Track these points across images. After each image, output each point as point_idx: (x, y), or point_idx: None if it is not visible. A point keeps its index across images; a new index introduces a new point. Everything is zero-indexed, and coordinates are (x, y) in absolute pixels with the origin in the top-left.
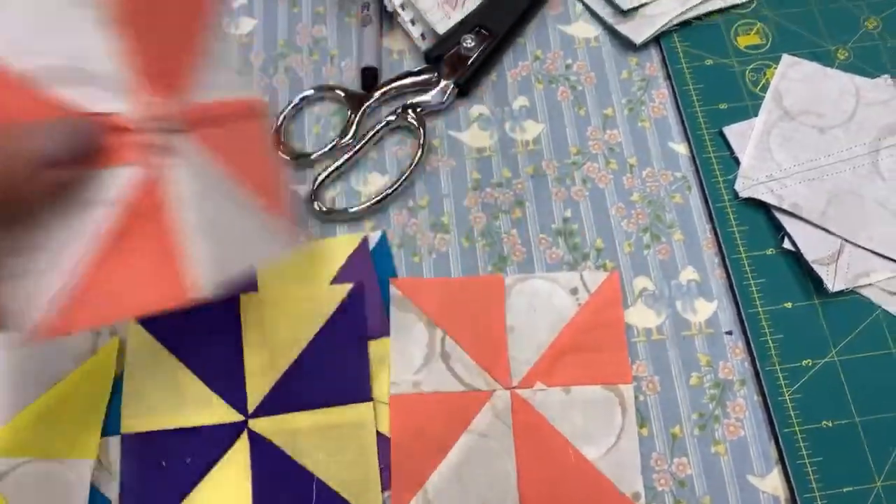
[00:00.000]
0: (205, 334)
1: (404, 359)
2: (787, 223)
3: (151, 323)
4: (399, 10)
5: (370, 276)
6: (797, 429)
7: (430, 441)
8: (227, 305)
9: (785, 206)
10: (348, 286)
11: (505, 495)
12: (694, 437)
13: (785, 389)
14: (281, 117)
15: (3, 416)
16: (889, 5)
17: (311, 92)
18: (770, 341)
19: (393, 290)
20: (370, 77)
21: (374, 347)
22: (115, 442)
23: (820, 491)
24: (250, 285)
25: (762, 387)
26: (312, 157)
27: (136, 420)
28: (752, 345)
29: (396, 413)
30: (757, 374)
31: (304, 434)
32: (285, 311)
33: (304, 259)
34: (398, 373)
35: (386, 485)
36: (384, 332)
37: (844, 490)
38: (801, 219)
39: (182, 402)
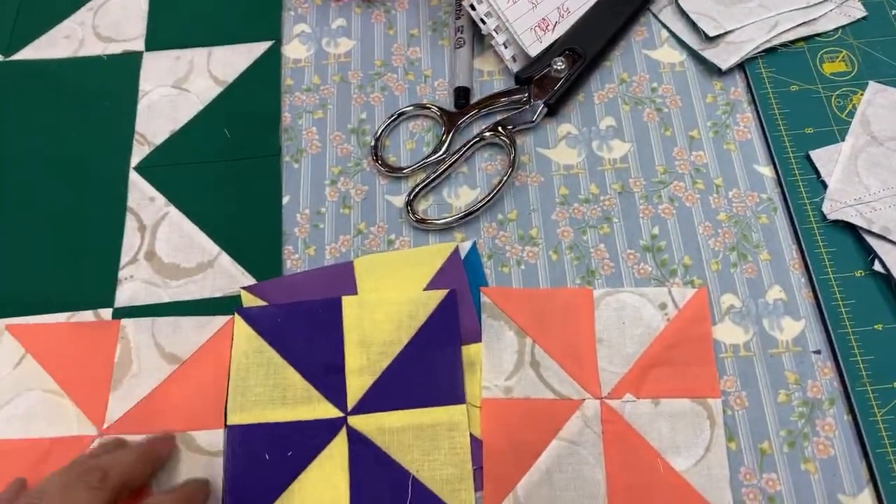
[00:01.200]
0: (307, 333)
1: (495, 364)
2: (877, 246)
3: (256, 320)
4: (493, 34)
5: (462, 283)
6: (889, 450)
7: (521, 445)
8: (330, 305)
9: (875, 230)
10: (443, 292)
11: (593, 501)
12: (783, 454)
13: (876, 410)
14: (378, 133)
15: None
16: None
17: (409, 108)
18: (860, 362)
19: (484, 298)
20: (463, 96)
21: (467, 352)
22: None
23: None
24: (350, 288)
25: (852, 407)
26: (406, 170)
27: (240, 413)
28: (842, 364)
29: (488, 416)
30: (847, 394)
31: (401, 432)
32: (384, 314)
33: (401, 264)
34: (490, 378)
35: (479, 485)
36: (476, 338)
37: None
38: (891, 242)
39: (284, 397)
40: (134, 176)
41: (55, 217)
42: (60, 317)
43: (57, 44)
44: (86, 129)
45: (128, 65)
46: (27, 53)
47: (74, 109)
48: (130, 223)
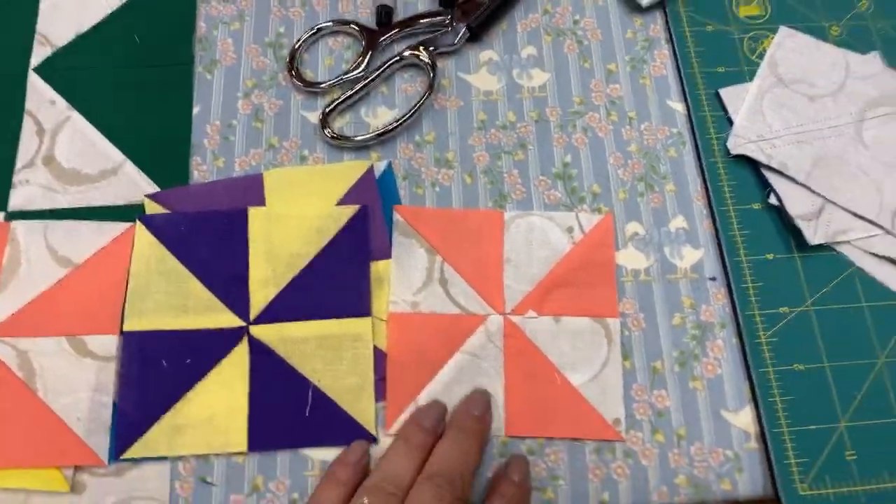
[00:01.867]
0: (211, 243)
1: (404, 280)
2: (774, 180)
3: (159, 228)
4: None
5: (375, 200)
6: (770, 370)
7: (425, 358)
8: (236, 216)
9: (773, 165)
10: (354, 207)
11: (492, 413)
12: (674, 373)
13: (762, 333)
14: (296, 46)
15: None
16: None
17: (328, 24)
18: (751, 288)
19: (396, 216)
20: (385, 14)
21: (376, 268)
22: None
23: (788, 427)
24: (258, 200)
25: (740, 330)
26: (323, 85)
27: (137, 319)
28: (734, 291)
29: (394, 330)
30: (736, 318)
31: (303, 342)
32: (292, 227)
33: (312, 179)
34: (398, 293)
35: (380, 396)
36: (386, 255)
37: (811, 428)
38: (787, 177)
39: (185, 305)
40: (33, 77)
41: None
42: None
43: None
44: None
45: None
46: None
47: None
48: (28, 126)
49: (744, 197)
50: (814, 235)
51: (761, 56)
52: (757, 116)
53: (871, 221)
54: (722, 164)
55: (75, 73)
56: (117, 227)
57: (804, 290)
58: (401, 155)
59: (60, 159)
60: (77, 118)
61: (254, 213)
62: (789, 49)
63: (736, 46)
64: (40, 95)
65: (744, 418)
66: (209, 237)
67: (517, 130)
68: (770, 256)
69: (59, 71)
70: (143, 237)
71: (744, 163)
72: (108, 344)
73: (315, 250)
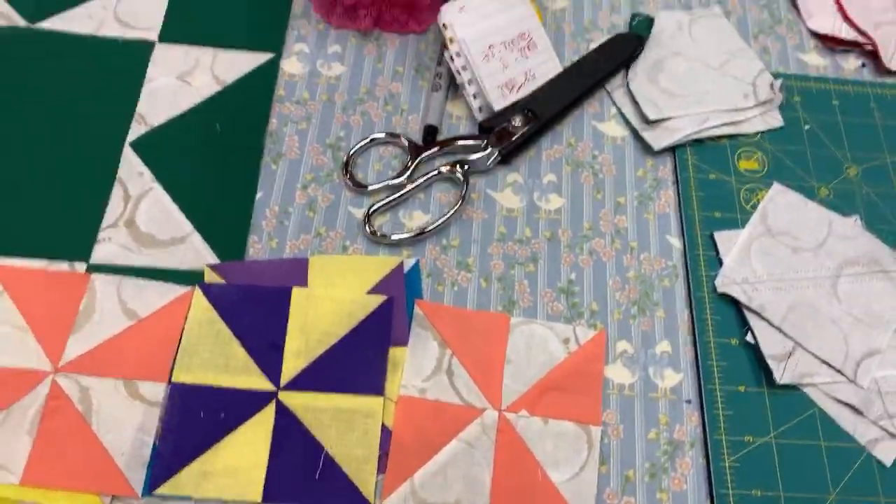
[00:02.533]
0: (256, 314)
1: (416, 368)
2: (753, 321)
3: (214, 295)
4: (466, 85)
5: (401, 293)
6: (731, 492)
7: (425, 440)
8: (281, 293)
9: (753, 306)
10: (382, 297)
11: (478, 498)
12: (644, 483)
13: (726, 457)
14: (352, 150)
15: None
16: (869, 160)
17: (382, 135)
18: (721, 415)
19: (417, 309)
20: (431, 133)
21: (393, 353)
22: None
23: None
24: (302, 281)
25: (708, 452)
26: (371, 188)
27: (185, 373)
28: (706, 415)
29: (401, 411)
30: (705, 440)
31: (322, 412)
32: (328, 308)
33: (350, 268)
34: (409, 378)
35: (381, 469)
36: (403, 342)
37: None
38: (764, 319)
39: (227, 365)
40: (128, 150)
41: (50, 174)
42: (40, 262)
43: (79, 20)
44: (93, 101)
45: (140, 51)
46: (50, 24)
47: (85, 83)
48: (117, 191)
49: (724, 331)
50: (782, 376)
51: (754, 207)
52: (744, 261)
53: (836, 369)
54: (708, 299)
55: (163, 150)
56: (178, 290)
57: (769, 423)
58: (428, 255)
59: (140, 223)
60: (158, 189)
61: (297, 292)
62: (780, 204)
63: (733, 195)
64: (131, 166)
65: None
66: (255, 308)
67: (531, 245)
68: (742, 388)
69: (149, 147)
70: (199, 302)
71: (728, 301)
72: (156, 391)
73: (344, 331)
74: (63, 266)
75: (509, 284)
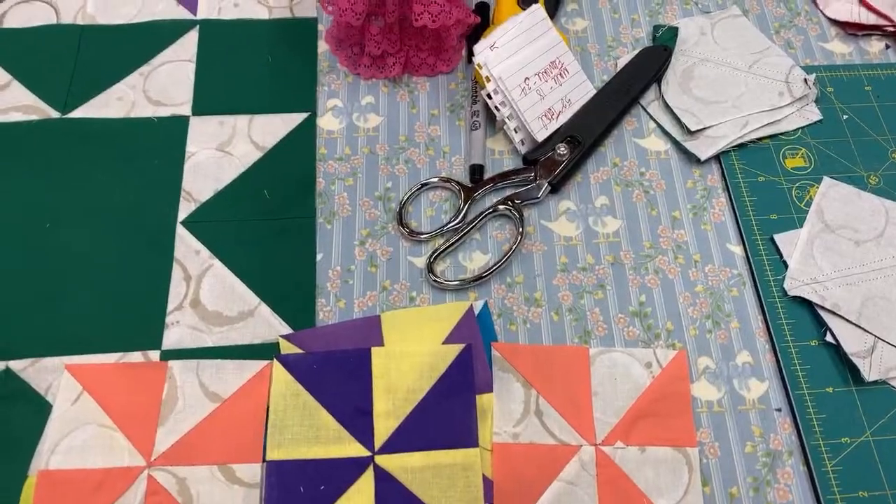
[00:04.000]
0: (339, 379)
1: (505, 413)
2: (829, 320)
3: (293, 366)
4: (506, 120)
5: (476, 337)
6: (838, 496)
7: (527, 485)
8: (360, 355)
9: (827, 306)
10: (460, 346)
11: None
12: (749, 498)
13: (827, 462)
14: (403, 200)
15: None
16: None
17: (434, 180)
18: (814, 419)
19: (494, 352)
20: (477, 172)
21: (480, 401)
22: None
23: None
24: (377, 339)
25: (807, 458)
26: (427, 235)
27: (278, 450)
28: (799, 421)
29: (498, 459)
30: (803, 447)
31: (422, 471)
32: (408, 364)
33: (422, 319)
34: (500, 424)
35: None
36: (488, 388)
37: None
38: (840, 317)
39: (318, 436)
40: (181, 230)
41: (109, 265)
42: (112, 357)
43: (110, 104)
44: (138, 185)
45: (176, 127)
46: (83, 112)
47: (127, 166)
48: (177, 273)
49: (802, 334)
50: (869, 373)
51: (808, 204)
52: (809, 260)
53: None
54: (780, 303)
55: (216, 225)
56: (257, 365)
57: (863, 421)
58: (495, 295)
59: (205, 302)
60: (218, 265)
61: (376, 352)
62: (833, 198)
63: (785, 195)
64: (187, 246)
65: None
66: (338, 374)
67: (596, 272)
68: (830, 390)
69: (202, 223)
70: (280, 374)
71: (800, 303)
72: (253, 471)
73: (428, 385)
74: (137, 356)
75: (581, 314)
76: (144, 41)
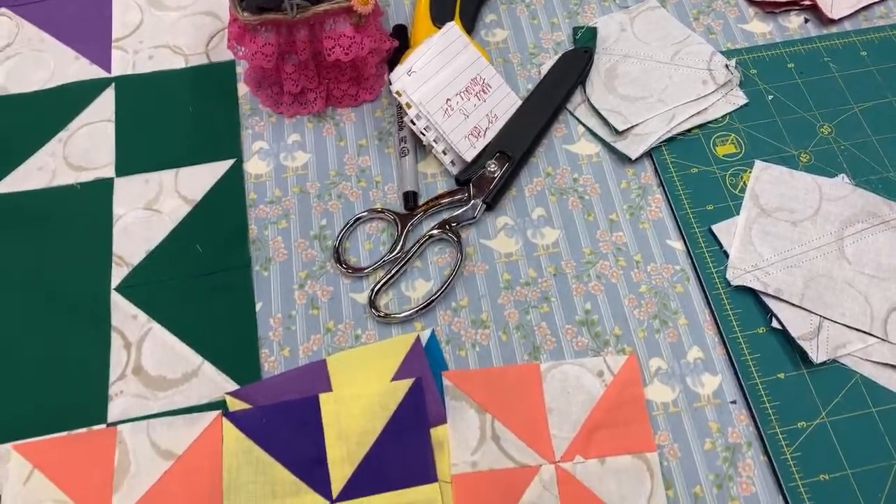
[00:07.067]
0: (290, 431)
1: (461, 442)
2: (773, 305)
3: (242, 422)
4: (433, 144)
5: (425, 370)
6: (799, 482)
7: None
8: (308, 403)
9: (770, 291)
10: (409, 381)
11: None
12: (713, 495)
13: (786, 449)
14: (338, 237)
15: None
16: (838, 114)
17: (365, 214)
18: (769, 407)
19: (445, 381)
20: (411, 199)
21: (435, 433)
22: None
23: None
24: (325, 384)
25: (766, 447)
26: (367, 270)
27: None
28: (754, 411)
29: (459, 490)
30: (761, 436)
31: None
32: (358, 407)
33: (369, 357)
34: (457, 454)
35: None
36: (441, 419)
37: None
38: (784, 301)
39: (274, 491)
40: (115, 296)
41: (45, 343)
42: (59, 437)
43: (31, 176)
44: (66, 255)
45: (100, 191)
46: (4, 187)
47: (54, 237)
48: (116, 341)
49: (749, 323)
50: (817, 354)
51: (743, 190)
52: (748, 247)
53: (866, 332)
54: (725, 294)
55: (151, 287)
56: (207, 417)
57: (817, 403)
58: (441, 321)
59: (147, 368)
60: (157, 328)
61: (324, 398)
62: (766, 181)
63: (719, 183)
64: (123, 312)
65: None
66: (288, 425)
67: (539, 285)
68: (781, 376)
69: (136, 287)
70: (230, 432)
71: (744, 291)
72: None
73: (381, 425)
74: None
75: (529, 330)
76: (60, 106)
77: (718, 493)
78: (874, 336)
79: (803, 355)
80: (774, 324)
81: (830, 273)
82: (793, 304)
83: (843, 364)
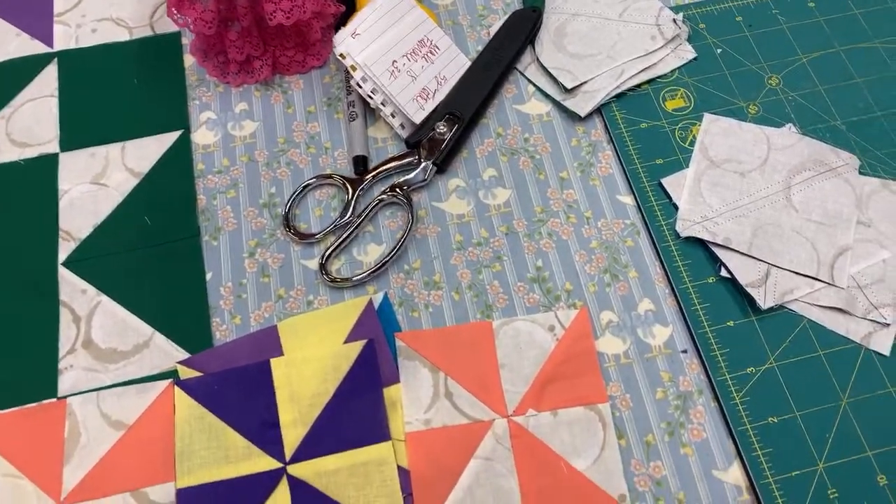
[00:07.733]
0: (242, 396)
1: (414, 400)
2: (722, 255)
3: (194, 389)
4: (381, 107)
5: (378, 331)
6: (748, 426)
7: (444, 469)
8: (260, 368)
9: (719, 241)
10: (361, 343)
11: None
12: (665, 443)
13: (735, 394)
14: (287, 204)
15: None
16: (786, 66)
17: (313, 180)
18: (719, 355)
19: (398, 342)
20: (361, 164)
21: (388, 393)
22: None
23: (773, 477)
24: (276, 350)
25: (717, 394)
26: (318, 236)
27: (188, 476)
28: (705, 359)
29: (412, 448)
30: (711, 383)
31: (336, 473)
32: (310, 370)
33: (321, 322)
34: (410, 413)
35: None
36: (395, 379)
37: (793, 474)
38: (732, 250)
39: (227, 456)
40: (63, 271)
41: None
42: (8, 412)
43: None
44: (11, 232)
45: (45, 167)
46: None
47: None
48: (65, 316)
49: (699, 273)
50: (764, 300)
51: (692, 143)
52: (697, 199)
53: (812, 277)
54: (675, 246)
55: (99, 260)
56: (158, 386)
57: (766, 349)
58: (394, 284)
59: (97, 341)
60: (106, 301)
61: (275, 362)
62: (715, 133)
63: (669, 138)
64: (72, 286)
65: (733, 474)
66: (240, 391)
67: (491, 245)
68: (731, 323)
69: (84, 261)
70: (182, 400)
71: (694, 242)
72: (166, 491)
73: (333, 387)
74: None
75: (481, 289)
76: (1, 83)
77: (670, 441)
78: (821, 281)
79: (752, 303)
80: (723, 273)
81: (778, 221)
82: (741, 253)
83: (790, 310)
